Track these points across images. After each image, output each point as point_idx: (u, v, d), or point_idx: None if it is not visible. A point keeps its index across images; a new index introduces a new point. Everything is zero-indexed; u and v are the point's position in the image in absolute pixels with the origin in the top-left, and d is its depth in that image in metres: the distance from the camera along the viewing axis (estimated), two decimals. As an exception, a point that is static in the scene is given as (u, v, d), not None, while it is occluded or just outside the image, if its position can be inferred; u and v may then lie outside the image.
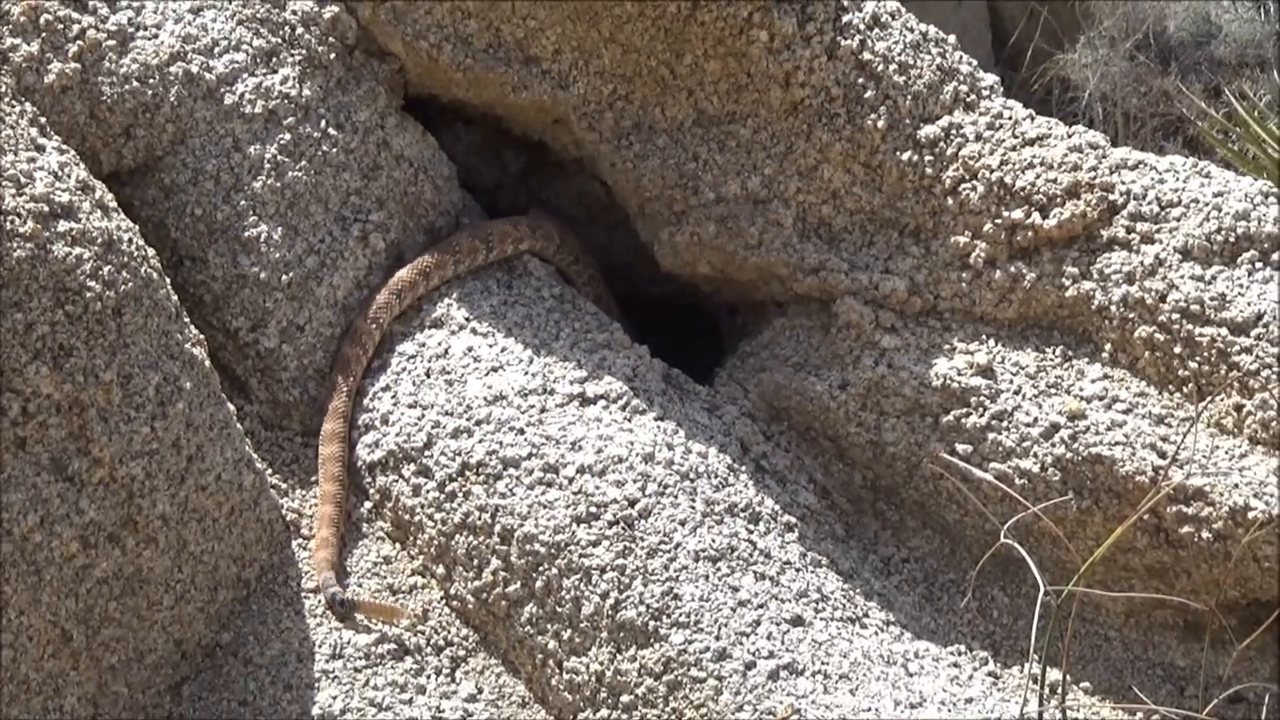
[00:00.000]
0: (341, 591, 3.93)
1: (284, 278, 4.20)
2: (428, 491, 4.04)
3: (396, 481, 4.10)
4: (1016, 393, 4.16)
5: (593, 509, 3.91)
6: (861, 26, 4.34)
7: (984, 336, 4.25)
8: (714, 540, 3.90)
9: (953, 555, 4.26)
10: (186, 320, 3.88)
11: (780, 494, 4.17)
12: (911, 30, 4.40)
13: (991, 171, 4.25)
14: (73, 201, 3.63)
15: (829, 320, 4.35)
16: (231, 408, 3.98)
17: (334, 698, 3.81)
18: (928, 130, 4.30)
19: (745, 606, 3.81)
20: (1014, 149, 4.27)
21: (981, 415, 4.15)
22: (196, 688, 3.83)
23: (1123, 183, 4.20)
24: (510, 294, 4.41)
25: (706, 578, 3.84)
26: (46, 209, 3.56)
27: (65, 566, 3.54)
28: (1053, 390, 4.15)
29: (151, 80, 4.17)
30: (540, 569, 3.89)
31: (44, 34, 4.07)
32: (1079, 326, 4.22)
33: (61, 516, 3.52)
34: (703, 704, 3.70)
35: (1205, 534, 3.96)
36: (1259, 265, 4.09)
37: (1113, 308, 4.15)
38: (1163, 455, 4.01)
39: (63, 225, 3.58)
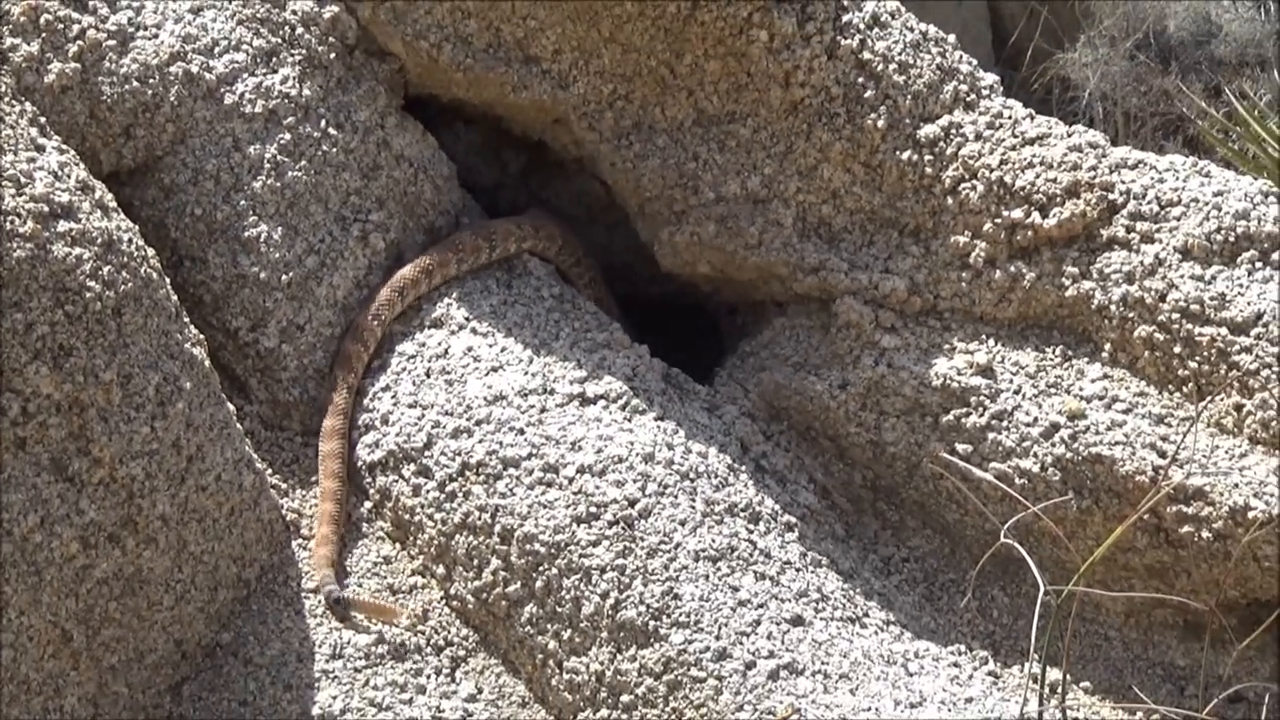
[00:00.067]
0: (339, 590, 3.93)
1: (284, 277, 4.20)
2: (428, 491, 4.04)
3: (396, 481, 4.10)
4: (1016, 392, 4.16)
5: (593, 509, 3.91)
6: (861, 26, 4.34)
7: (984, 336, 4.25)
8: (714, 540, 3.90)
9: (953, 555, 4.26)
10: (186, 320, 3.88)
11: (780, 494, 4.17)
12: (911, 30, 4.40)
13: (991, 171, 4.25)
14: (73, 201, 3.63)
15: (829, 320, 4.35)
16: (231, 408, 3.98)
17: (334, 698, 3.81)
18: (927, 130, 4.30)
19: (745, 606, 3.81)
20: (1014, 148, 4.27)
21: (981, 415, 4.15)
22: (197, 688, 3.83)
23: (1123, 182, 4.20)
24: (510, 294, 4.41)
25: (706, 577, 3.84)
26: (46, 209, 3.56)
27: (65, 567, 3.54)
28: (1053, 390, 4.15)
29: (151, 80, 4.17)
30: (540, 569, 3.89)
31: (44, 34, 4.07)
32: (1079, 326, 4.22)
33: (61, 517, 3.52)
34: (703, 704, 3.70)
35: (1205, 534, 3.96)
36: (1259, 265, 4.09)
37: (1113, 307, 4.15)
38: (1163, 455, 4.01)
39: (63, 225, 3.58)
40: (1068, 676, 4.00)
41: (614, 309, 4.63)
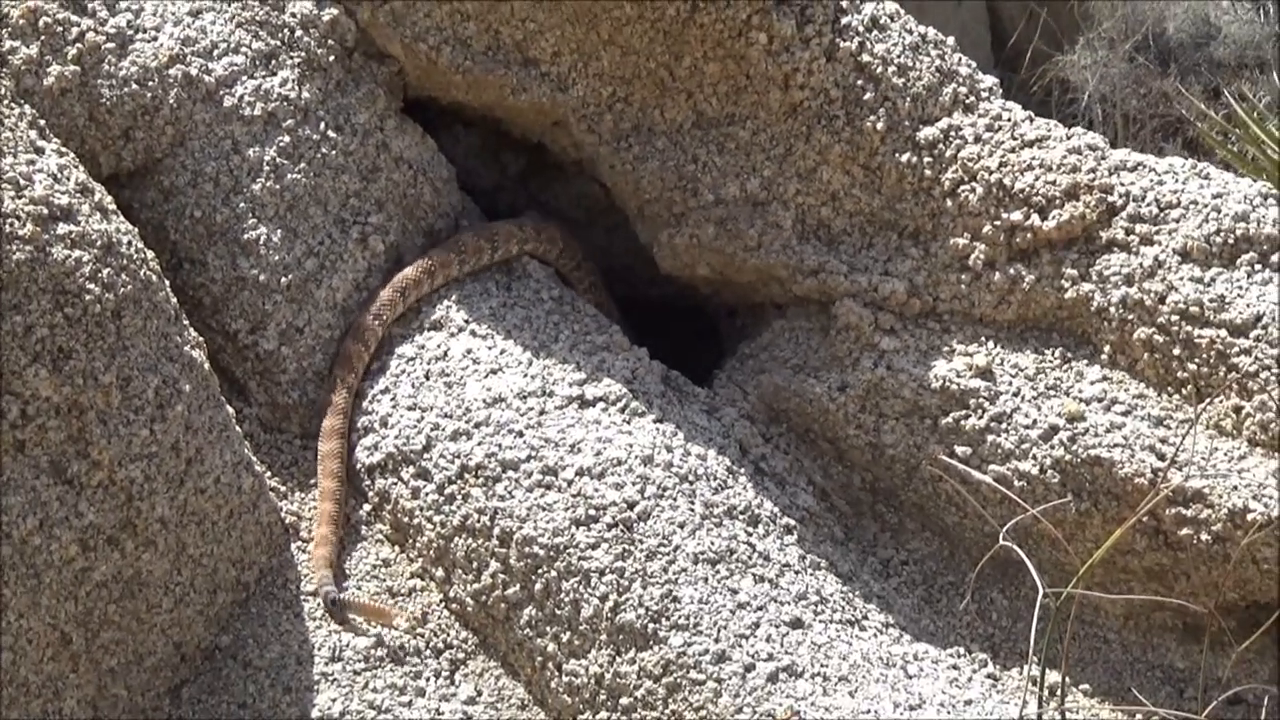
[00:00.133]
0: (336, 591, 3.93)
1: (283, 280, 4.20)
2: (427, 494, 4.04)
3: (395, 484, 4.10)
4: (1015, 395, 4.16)
5: (592, 511, 3.91)
6: (860, 28, 4.34)
7: (983, 338, 4.25)
8: (713, 543, 3.90)
9: (952, 557, 4.26)
10: (186, 323, 3.88)
11: (779, 496, 4.17)
12: (910, 32, 4.40)
13: (990, 173, 4.25)
14: (72, 204, 3.63)
15: (828, 322, 4.35)
16: (230, 410, 3.98)
17: (333, 700, 3.81)
18: (927, 132, 4.30)
19: (744, 609, 3.81)
20: (1013, 151, 4.27)
21: (980, 417, 4.15)
22: (196, 690, 3.83)
23: (1122, 184, 4.20)
24: (509, 296, 4.41)
25: (706, 580, 3.84)
26: (46, 211, 3.56)
27: (64, 569, 3.54)
28: (1052, 392, 4.15)
29: (151, 83, 4.17)
30: (539, 571, 3.89)
31: (43, 36, 4.07)
32: (1078, 328, 4.22)
33: (61, 519, 3.52)
34: (702, 706, 3.70)
35: (1204, 536, 3.96)
36: (1258, 267, 4.09)
37: (1112, 309, 4.15)
38: (1162, 457, 4.01)
39: (62, 228, 3.58)
40: (1067, 679, 3.99)
41: (614, 312, 4.63)
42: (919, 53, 4.37)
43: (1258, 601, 4.00)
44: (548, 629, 3.88)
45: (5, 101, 3.71)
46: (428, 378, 4.19)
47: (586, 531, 3.89)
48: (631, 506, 3.91)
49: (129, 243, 3.74)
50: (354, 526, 4.13)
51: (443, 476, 4.04)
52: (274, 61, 4.34)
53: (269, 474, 4.13)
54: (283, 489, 4.14)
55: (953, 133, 4.30)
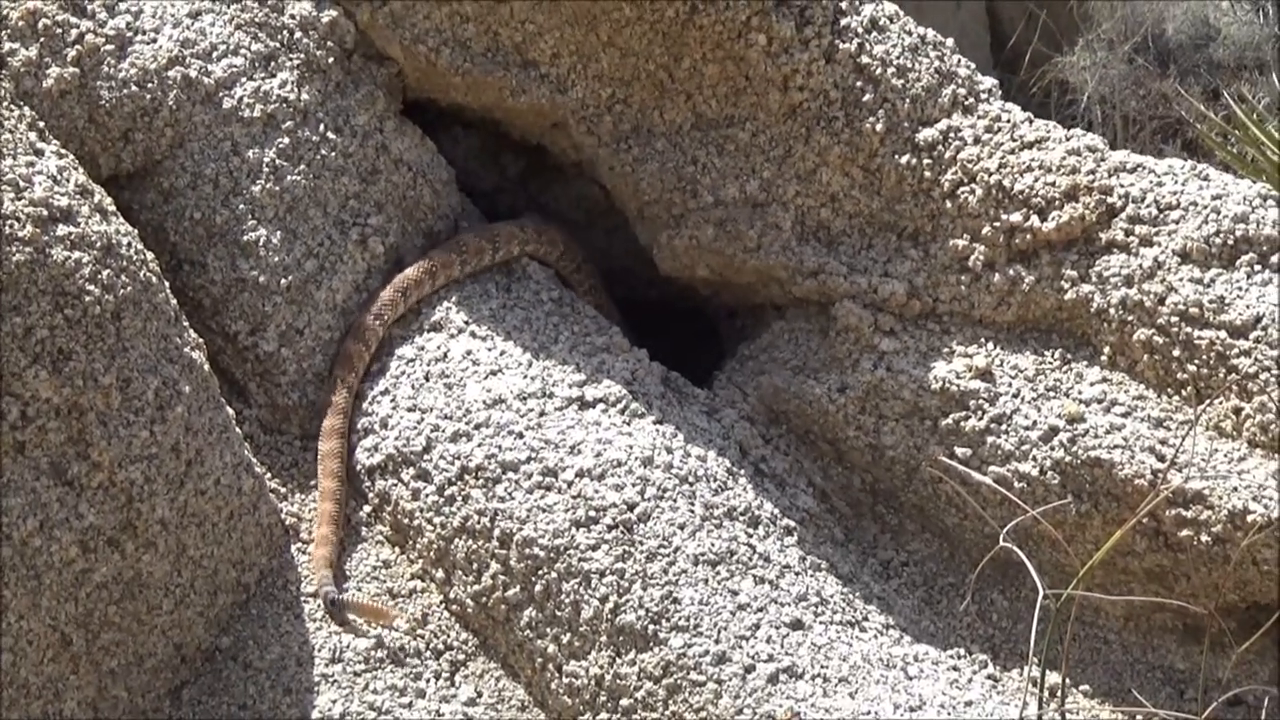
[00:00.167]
0: (335, 592, 3.93)
1: (283, 281, 4.20)
2: (427, 495, 4.04)
3: (395, 485, 4.10)
4: (1015, 396, 4.16)
5: (592, 513, 3.91)
6: (859, 30, 4.34)
7: (983, 339, 4.25)
8: (713, 544, 3.90)
9: (952, 558, 4.26)
10: (185, 324, 3.88)
11: (779, 497, 4.17)
12: (910, 33, 4.40)
13: (990, 174, 4.25)
14: (72, 205, 3.63)
15: (828, 323, 4.35)
16: (230, 411, 3.98)
17: (333, 702, 3.81)
18: (926, 133, 4.30)
19: (745, 610, 3.81)
20: (1012, 152, 4.27)
21: (980, 418, 4.15)
22: (196, 692, 3.83)
23: (1121, 186, 4.20)
24: (509, 297, 4.40)
25: (706, 581, 3.84)
26: (45, 213, 3.56)
27: (65, 571, 3.53)
28: (1052, 393, 4.15)
29: (150, 84, 4.17)
30: (539, 573, 3.89)
31: (43, 38, 4.07)
32: (1078, 329, 4.22)
33: (61, 521, 3.52)
34: (702, 707, 3.69)
35: (1204, 537, 3.95)
36: (1258, 268, 4.09)
37: (1111, 311, 4.15)
38: (1162, 458, 4.01)
39: (62, 229, 3.58)
40: (1067, 680, 3.99)
41: (614, 314, 4.62)
42: (918, 54, 4.37)
43: (1258, 603, 4.00)
44: (548, 630, 3.88)
45: (5, 103, 3.71)
46: (428, 379, 4.19)
47: (587, 533, 3.89)
48: (632, 508, 3.91)
49: (129, 244, 3.74)
50: (354, 528, 4.13)
51: (443, 478, 4.04)
52: (273, 63, 4.34)
53: (269, 475, 4.13)
54: (283, 490, 4.14)
55: (952, 134, 4.30)
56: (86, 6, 4.17)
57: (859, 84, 4.32)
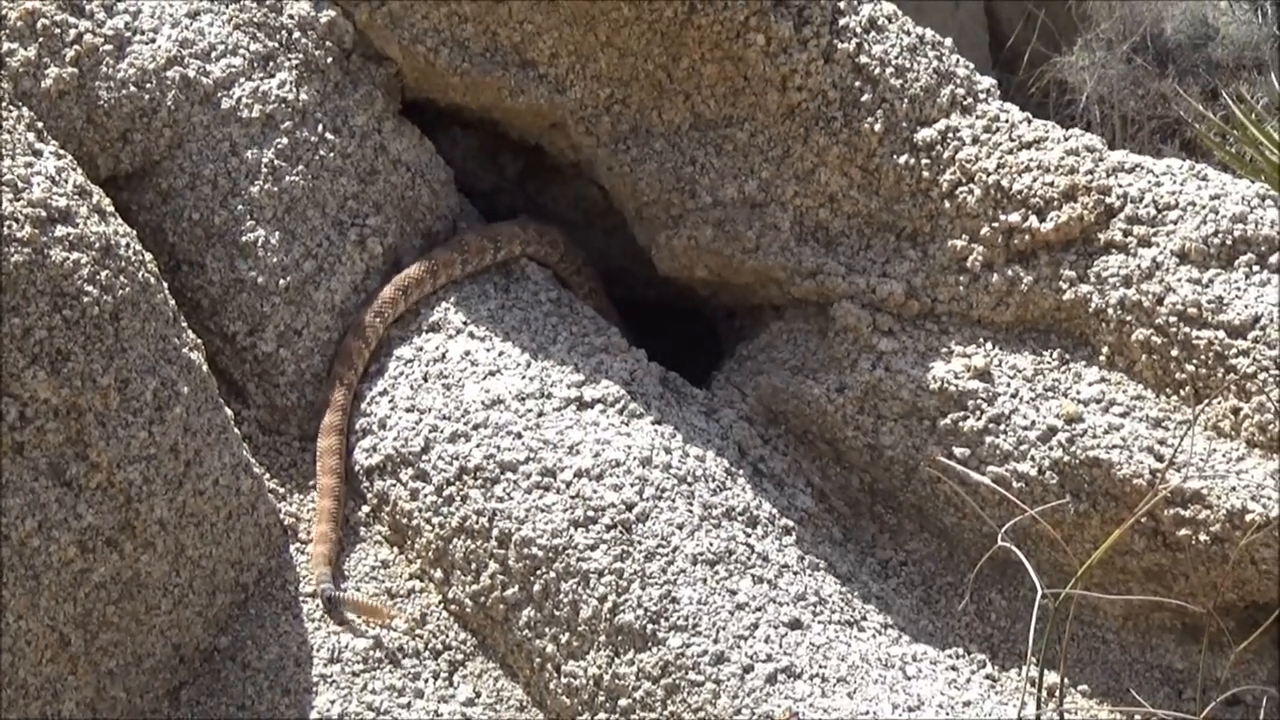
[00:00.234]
0: (333, 589, 3.93)
1: (281, 282, 4.20)
2: (425, 495, 4.04)
3: (394, 486, 4.10)
4: (1014, 396, 4.16)
5: (590, 513, 3.91)
6: (858, 30, 4.34)
7: (981, 340, 4.25)
8: (712, 544, 3.90)
9: (950, 558, 4.26)
10: (184, 325, 3.88)
11: (778, 497, 4.17)
12: (908, 33, 4.40)
13: (988, 175, 4.25)
14: (70, 206, 3.63)
15: (826, 324, 4.35)
16: (229, 412, 3.98)
17: (332, 702, 3.81)
18: (924, 133, 4.30)
19: (743, 610, 3.81)
20: (1011, 152, 4.27)
21: (979, 418, 4.15)
22: (194, 692, 3.83)
23: (1120, 186, 4.21)
24: (508, 298, 4.41)
25: (704, 581, 3.84)
26: (44, 214, 3.56)
27: (63, 571, 3.54)
28: (1050, 393, 4.15)
29: (148, 85, 4.17)
30: (538, 573, 3.89)
31: (41, 39, 4.07)
32: (1076, 329, 4.22)
33: (59, 521, 3.52)
34: (701, 707, 3.70)
35: (1203, 537, 3.96)
36: (1256, 268, 4.09)
37: (1110, 311, 4.15)
38: (1160, 458, 4.01)
39: (60, 230, 3.58)
40: (1065, 679, 4.00)
41: (614, 317, 4.62)
42: (917, 54, 4.37)
43: (1256, 602, 4.00)
44: (546, 630, 3.88)
45: (3, 104, 3.71)
46: (426, 380, 4.19)
47: (585, 533, 3.89)
48: (630, 508, 3.92)
49: (127, 245, 3.74)
50: (353, 528, 4.13)
51: (441, 478, 4.04)
52: (272, 63, 4.34)
53: (267, 475, 4.13)
54: (281, 490, 4.14)
55: (950, 134, 4.30)
56: (85, 7, 4.17)
57: (857, 84, 4.32)
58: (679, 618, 3.78)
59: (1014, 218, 4.22)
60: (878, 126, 4.30)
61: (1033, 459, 4.09)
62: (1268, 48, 7.43)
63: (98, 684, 3.64)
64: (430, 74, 4.44)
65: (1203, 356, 4.06)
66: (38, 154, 3.68)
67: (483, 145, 4.78)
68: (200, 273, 4.19)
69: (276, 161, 4.26)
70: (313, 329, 4.23)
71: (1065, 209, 4.19)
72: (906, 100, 4.32)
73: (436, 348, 4.24)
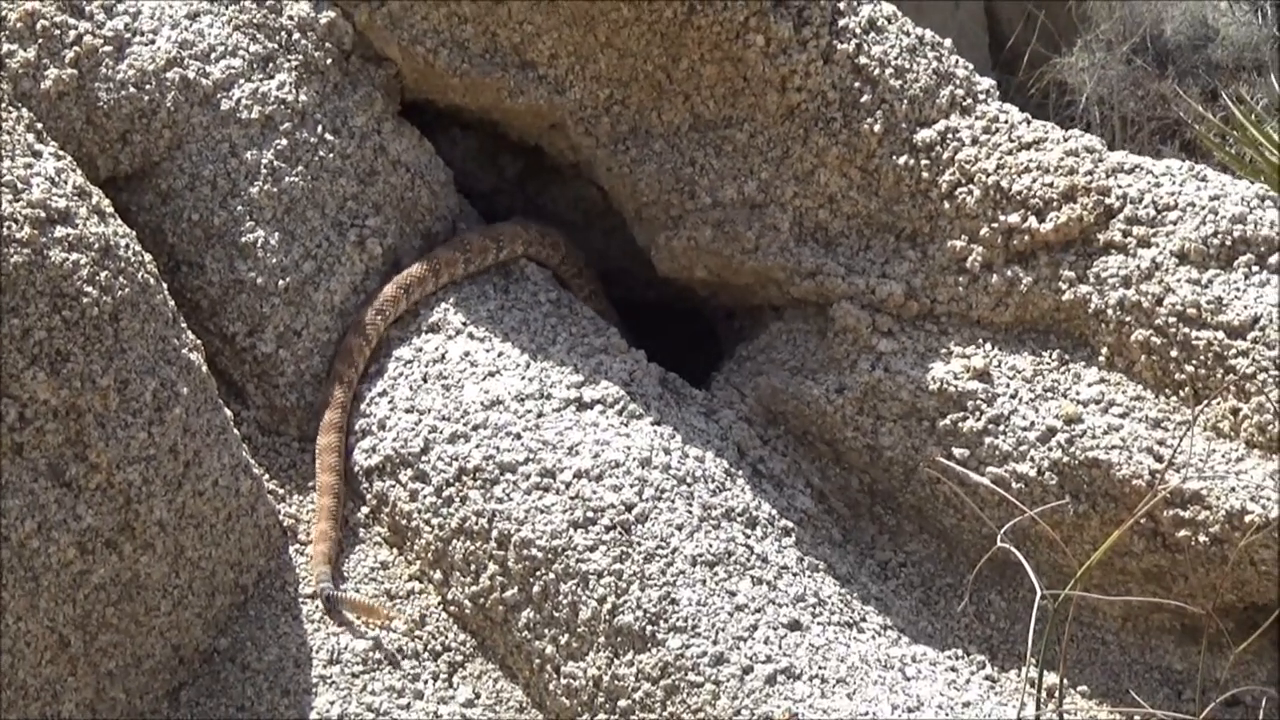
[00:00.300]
0: (332, 588, 3.93)
1: (281, 283, 4.20)
2: (425, 496, 4.04)
3: (393, 487, 4.10)
4: (1013, 397, 4.16)
5: (590, 514, 3.91)
6: (858, 30, 4.34)
7: (981, 340, 4.25)
8: (711, 545, 3.90)
9: (950, 559, 4.26)
10: (183, 325, 3.88)
11: (777, 498, 4.17)
12: (908, 34, 4.40)
13: (988, 175, 4.25)
14: (69, 207, 3.63)
15: (826, 324, 4.35)
16: (228, 413, 3.98)
17: (331, 703, 3.81)
18: (924, 134, 4.30)
19: (742, 611, 3.81)
20: (1010, 153, 4.27)
21: (978, 419, 4.15)
22: (194, 693, 3.83)
23: (1119, 186, 4.21)
24: (507, 298, 4.41)
25: (704, 582, 3.84)
26: (43, 214, 3.56)
27: (63, 572, 3.54)
28: (1049, 394, 4.15)
29: (148, 86, 4.17)
30: (537, 574, 3.89)
31: (41, 40, 4.07)
32: (1076, 330, 4.22)
33: (59, 522, 3.52)
34: (700, 708, 3.70)
35: (1202, 538, 3.96)
36: (1255, 268, 4.09)
37: (1109, 311, 4.15)
38: (1159, 459, 4.01)
39: (60, 231, 3.58)
40: (1065, 680, 4.00)
41: (614, 319, 4.62)
42: (916, 55, 4.37)
43: (1255, 603, 4.00)
44: (546, 631, 3.88)
45: (3, 105, 3.71)
46: (425, 380, 4.19)
47: (584, 534, 3.89)
48: (629, 509, 3.92)
49: (127, 246, 3.74)
50: (352, 529, 4.13)
51: (441, 479, 4.04)
52: (271, 64, 4.34)
53: (267, 476, 4.13)
54: (281, 491, 4.14)
55: (950, 135, 4.30)
56: (85, 8, 4.18)
57: (857, 85, 4.32)
58: (678, 619, 3.78)
59: (1013, 218, 4.22)
60: (877, 127, 4.30)
61: (1032, 460, 4.09)
62: (1267, 49, 7.44)
63: (97, 685, 3.64)
64: (430, 75, 4.44)
65: (1202, 357, 4.06)
66: (37, 155, 3.68)
67: (482, 146, 4.78)
68: (200, 273, 4.19)
69: (276, 162, 4.26)
70: (312, 330, 4.23)
71: (1065, 210, 4.19)
72: (906, 101, 4.32)
73: (436, 348, 4.24)
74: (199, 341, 3.93)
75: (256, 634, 3.91)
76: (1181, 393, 4.10)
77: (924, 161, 4.29)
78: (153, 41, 4.22)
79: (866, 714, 3.67)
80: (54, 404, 3.51)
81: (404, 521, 4.08)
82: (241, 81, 4.28)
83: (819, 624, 3.85)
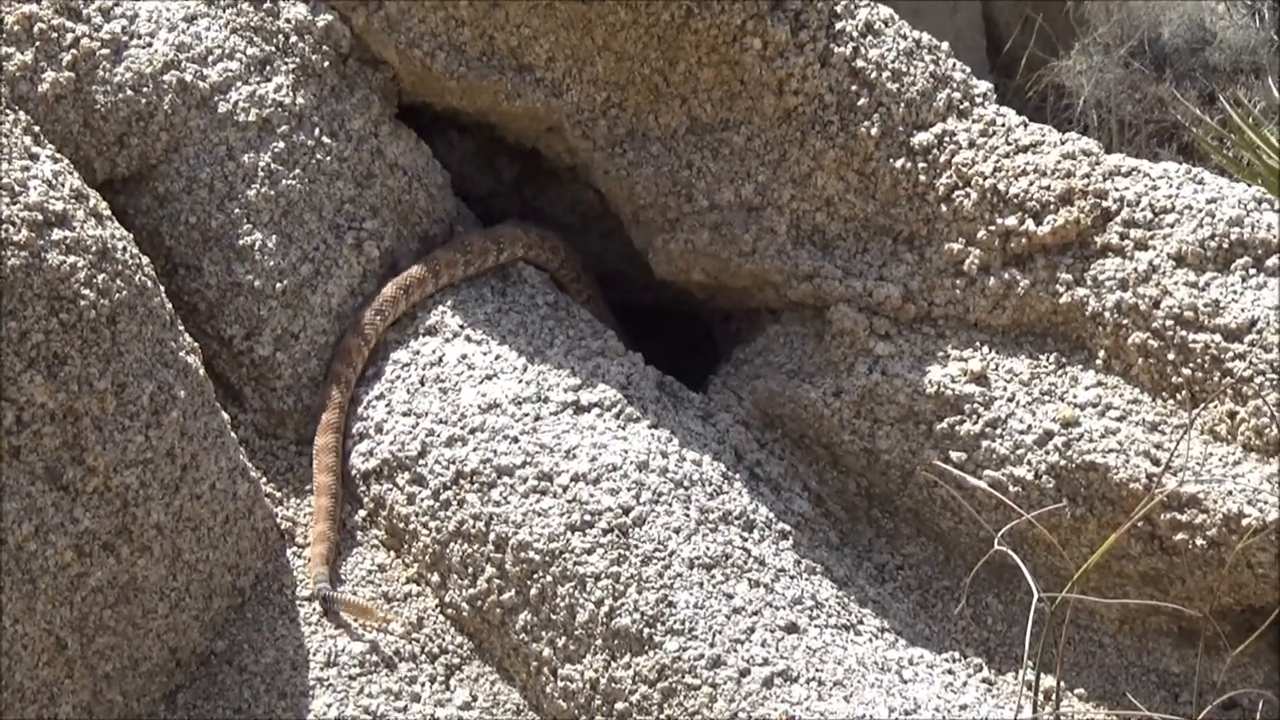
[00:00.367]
0: (328, 588, 3.93)
1: (278, 286, 4.20)
2: (422, 500, 4.04)
3: (391, 490, 4.10)
4: (1010, 400, 4.16)
5: (587, 517, 3.91)
6: (854, 34, 4.34)
7: (978, 343, 4.25)
8: (708, 548, 3.90)
9: (947, 562, 4.26)
10: (181, 328, 3.88)
11: (774, 501, 4.17)
12: (905, 37, 4.40)
13: (985, 178, 4.25)
14: (67, 210, 3.63)
15: (823, 327, 4.35)
16: (226, 416, 3.98)
17: (328, 705, 3.81)
18: (921, 137, 4.30)
19: (740, 614, 3.81)
20: (1007, 156, 4.27)
21: (975, 422, 4.15)
22: (191, 696, 3.83)
23: (1116, 189, 4.21)
24: (504, 301, 4.41)
25: (701, 585, 3.84)
26: (41, 217, 3.56)
27: (60, 575, 3.53)
28: (1046, 397, 4.15)
29: (145, 89, 4.17)
30: (535, 577, 3.89)
31: (38, 43, 4.07)
32: (1073, 333, 4.22)
33: (56, 525, 3.52)
34: (697, 711, 3.70)
35: (1199, 541, 3.96)
36: (1252, 271, 4.09)
37: (1106, 314, 4.15)
38: (1156, 462, 4.01)
39: (57, 234, 3.58)
40: (1062, 683, 4.00)
41: (611, 323, 4.62)
42: (913, 58, 4.37)
43: (1253, 606, 4.00)
44: (543, 634, 3.88)
45: (0, 108, 3.71)
46: (423, 384, 4.19)
47: (582, 537, 3.89)
48: (627, 512, 3.92)
49: (124, 248, 3.74)
50: (350, 532, 4.13)
51: (438, 482, 4.04)
52: (269, 67, 4.34)
53: (264, 479, 4.13)
54: (278, 494, 4.14)
55: (947, 138, 4.30)
56: (82, 11, 4.18)
57: (854, 88, 4.33)
58: (675, 621, 3.78)
59: (1010, 221, 4.22)
60: (874, 130, 4.31)
61: (1029, 463, 4.09)
62: (1265, 52, 7.44)
63: (94, 688, 3.64)
64: (427, 78, 4.44)
65: (1199, 360, 4.06)
66: (34, 158, 3.68)
67: (479, 149, 4.78)
68: (197, 276, 4.19)
69: (273, 165, 4.26)
70: (309, 332, 4.23)
71: (1062, 212, 4.19)
72: (903, 104, 4.32)
73: (433, 351, 4.24)
74: (196, 344, 3.93)
75: (254, 636, 3.91)
76: (1179, 396, 4.10)
77: (921, 164, 4.29)
78: (150, 44, 4.22)
79: (863, 716, 3.67)
80: (51, 407, 3.51)
81: (401, 524, 4.08)
82: (239, 84, 4.28)
83: (816, 626, 3.85)
